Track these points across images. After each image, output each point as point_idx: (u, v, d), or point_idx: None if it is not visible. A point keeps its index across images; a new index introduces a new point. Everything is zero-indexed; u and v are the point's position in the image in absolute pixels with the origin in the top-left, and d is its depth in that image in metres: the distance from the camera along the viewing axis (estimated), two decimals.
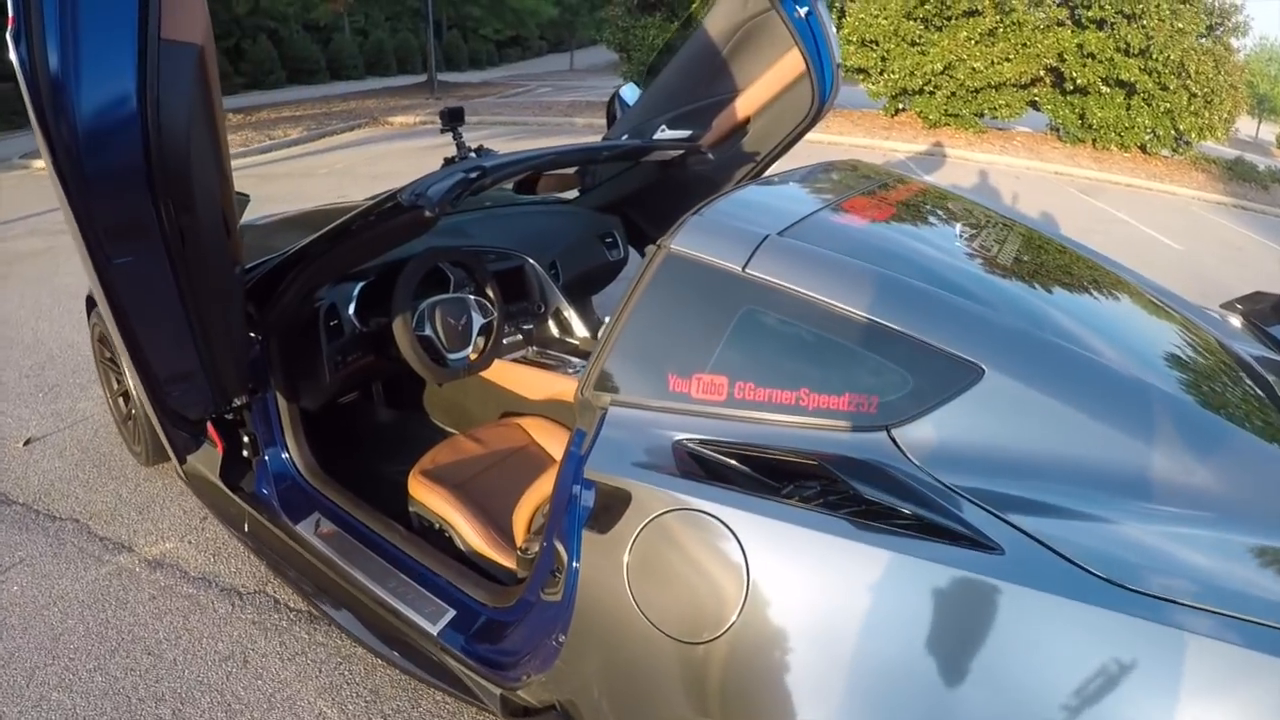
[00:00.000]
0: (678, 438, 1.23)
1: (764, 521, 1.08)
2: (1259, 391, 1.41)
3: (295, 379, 2.30)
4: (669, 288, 1.31)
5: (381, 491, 2.32)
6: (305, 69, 24.61)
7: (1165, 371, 1.29)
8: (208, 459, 2.57)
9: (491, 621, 1.77)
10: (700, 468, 1.19)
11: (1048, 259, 1.69)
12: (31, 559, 2.78)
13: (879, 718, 0.99)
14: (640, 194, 3.16)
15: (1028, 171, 9.99)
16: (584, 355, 2.50)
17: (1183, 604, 0.90)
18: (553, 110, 13.77)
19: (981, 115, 11.35)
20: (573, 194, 3.28)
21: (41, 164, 6.54)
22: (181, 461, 2.26)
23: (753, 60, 2.67)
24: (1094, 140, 11.34)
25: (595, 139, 3.23)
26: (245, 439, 2.37)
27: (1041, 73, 11.05)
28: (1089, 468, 1.04)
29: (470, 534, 2.01)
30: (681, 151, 2.67)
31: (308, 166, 10.89)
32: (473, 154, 2.25)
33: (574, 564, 1.31)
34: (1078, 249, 1.98)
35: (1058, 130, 11.68)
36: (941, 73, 10.83)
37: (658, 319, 1.31)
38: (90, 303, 3.12)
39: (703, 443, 1.22)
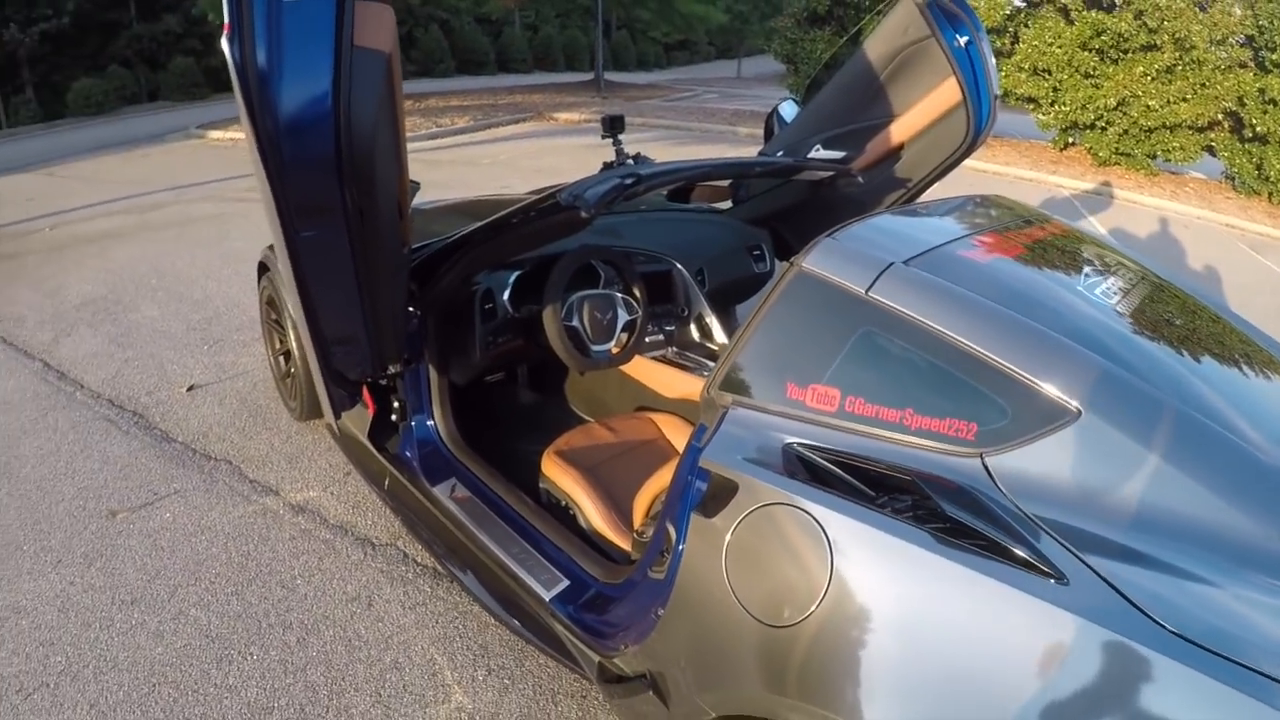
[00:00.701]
0: (788, 440, 1.49)
1: (853, 524, 1.31)
2: None
3: (448, 354, 2.81)
4: (797, 303, 1.57)
5: (514, 467, 2.73)
6: (474, 60, 28.14)
7: (1273, 438, 1.38)
8: (358, 420, 3.11)
9: (600, 595, 2.11)
10: (804, 470, 1.45)
11: (1170, 311, 1.83)
12: (185, 491, 3.43)
13: (930, 712, 1.20)
14: (790, 210, 3.52)
15: (1197, 221, 9.98)
16: None
17: (1245, 666, 1.03)
18: (716, 117, 15.10)
19: (1154, 156, 11.64)
20: (725, 205, 3.71)
21: (216, 134, 8.02)
22: (336, 416, 2.71)
23: (910, 86, 2.96)
24: (1270, 194, 11.06)
25: (754, 151, 3.76)
26: (395, 404, 2.89)
27: (1220, 116, 11.17)
28: (1169, 520, 1.20)
29: (593, 514, 2.38)
30: (833, 173, 2.99)
31: (472, 156, 12.09)
32: (630, 161, 2.60)
33: (680, 546, 1.59)
34: (1216, 309, 2.04)
35: (1233, 179, 11.58)
36: (1115, 108, 11.32)
37: (784, 331, 1.58)
38: (262, 268, 3.80)
39: (810, 448, 1.47)
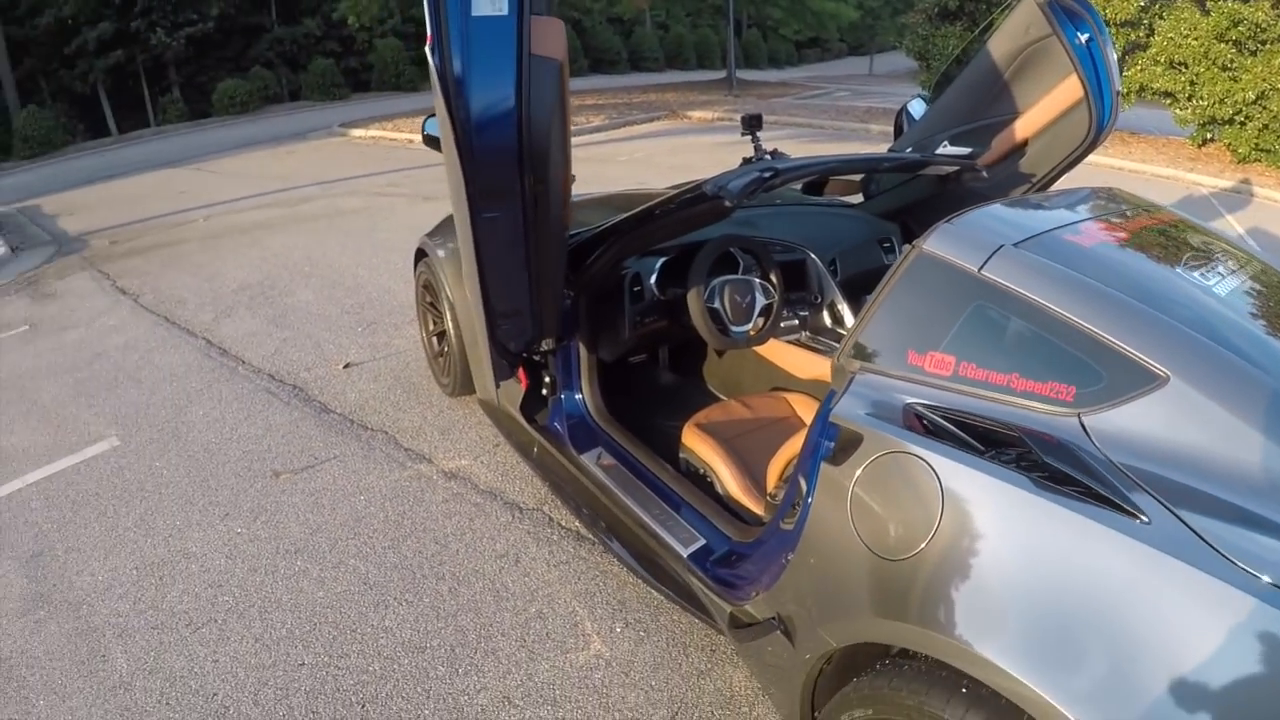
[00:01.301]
0: (908, 400, 1.83)
1: (963, 469, 1.63)
2: None
3: (598, 332, 3.33)
4: (917, 281, 1.92)
5: (654, 439, 3.22)
6: (607, 59, 30.95)
7: None
8: (508, 394, 3.66)
9: (733, 552, 2.55)
10: (921, 425, 1.78)
11: (1266, 293, 2.08)
12: (344, 456, 4.02)
13: (1022, 627, 1.50)
14: (919, 205, 3.92)
15: None
16: None
17: None
18: (849, 115, 16.28)
19: None
20: (856, 199, 4.20)
21: (358, 133, 9.16)
22: (497, 385, 3.27)
23: (1033, 84, 3.35)
24: None
25: (885, 148, 4.22)
26: (546, 380, 3.46)
27: None
28: (1245, 475, 1.47)
29: (729, 480, 2.85)
30: (959, 168, 3.38)
31: (608, 153, 12.95)
32: (768, 156, 3.01)
33: (810, 495, 1.94)
34: None
35: None
36: (1254, 102, 11.51)
37: (906, 305, 1.93)
38: (419, 254, 4.46)
39: (927, 406, 1.80)
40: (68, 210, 11.20)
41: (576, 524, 3.37)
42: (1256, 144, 11.81)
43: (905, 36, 16.95)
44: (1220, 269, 2.05)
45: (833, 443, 1.90)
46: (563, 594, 3.04)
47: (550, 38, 2.38)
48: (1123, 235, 2.14)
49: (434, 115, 3.07)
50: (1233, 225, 8.63)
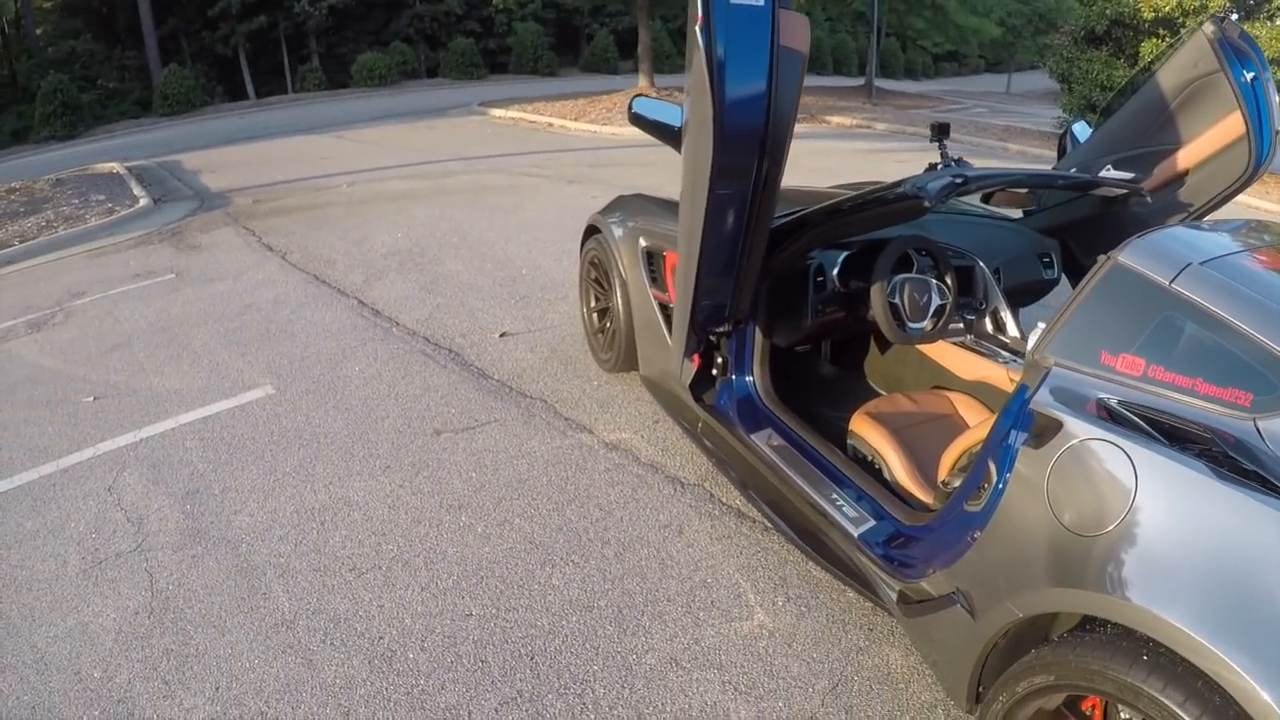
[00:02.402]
0: (1101, 395, 2.09)
1: (1154, 456, 1.88)
2: None
3: (776, 318, 3.58)
4: (1112, 288, 2.18)
5: (819, 427, 3.43)
6: None
7: None
8: (674, 372, 3.82)
9: (903, 534, 2.79)
10: (1113, 417, 2.03)
11: None
12: (504, 421, 4.19)
13: (1203, 602, 1.74)
14: (1080, 224, 4.23)
15: None
16: (1014, 351, 3.56)
17: None
18: (987, 132, 16.75)
19: None
20: (1017, 214, 4.52)
21: (499, 113, 9.89)
22: (689, 358, 3.52)
23: (1197, 116, 3.61)
24: None
25: (1042, 168, 4.36)
26: (719, 360, 3.68)
27: None
28: None
29: (898, 468, 3.07)
30: (1125, 191, 3.60)
31: None
32: (954, 163, 3.25)
33: (1003, 476, 2.21)
34: None
35: None
36: None
37: (1100, 309, 2.18)
38: (589, 232, 4.74)
39: (1119, 402, 2.06)
40: (209, 168, 11.86)
41: (738, 501, 3.58)
42: None
43: (1048, 57, 17.62)
44: None
45: (1029, 429, 2.16)
46: (726, 566, 3.21)
47: (797, 31, 2.62)
48: None
49: (641, 95, 3.51)
50: None
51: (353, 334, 5.24)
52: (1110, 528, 1.91)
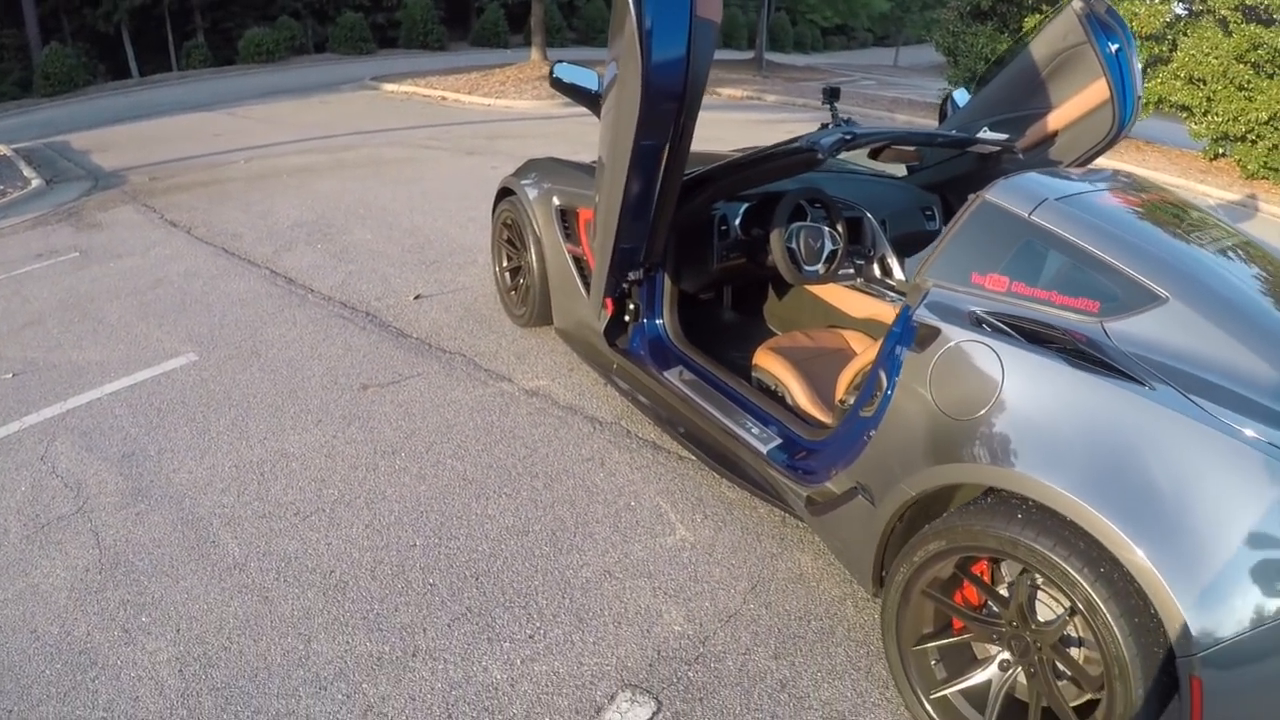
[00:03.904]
0: (972, 309, 2.43)
1: (1017, 352, 2.24)
2: None
3: (684, 265, 3.89)
4: (982, 221, 2.54)
5: (726, 363, 3.75)
6: None
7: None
8: (589, 320, 4.10)
9: (806, 448, 3.13)
10: (982, 324, 2.38)
11: (1239, 250, 2.70)
12: (428, 374, 4.36)
13: (1061, 461, 2.09)
14: (959, 180, 4.57)
15: None
16: (900, 293, 3.91)
17: (1249, 433, 1.88)
18: (876, 104, 17.34)
19: None
20: (902, 171, 4.90)
21: (390, 87, 10.45)
22: (605, 299, 3.75)
23: (1066, 83, 4.00)
24: None
25: (926, 126, 4.78)
26: (630, 307, 3.94)
27: None
28: (1220, 363, 2.08)
29: (799, 394, 3.43)
30: (998, 149, 3.93)
31: None
32: (844, 123, 3.62)
33: (892, 382, 2.54)
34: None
35: None
36: (1266, 122, 12.82)
37: (973, 239, 2.54)
38: (501, 194, 4.95)
39: (987, 313, 2.41)
40: (99, 147, 11.53)
41: (653, 435, 3.91)
42: (1265, 162, 13.06)
43: (935, 31, 18.28)
44: (1212, 234, 2.69)
45: (913, 339, 2.50)
46: (647, 491, 3.52)
47: (712, 3, 2.88)
48: (1136, 202, 2.77)
49: (563, 62, 3.88)
50: None
51: (269, 301, 5.30)
52: (982, 411, 2.26)
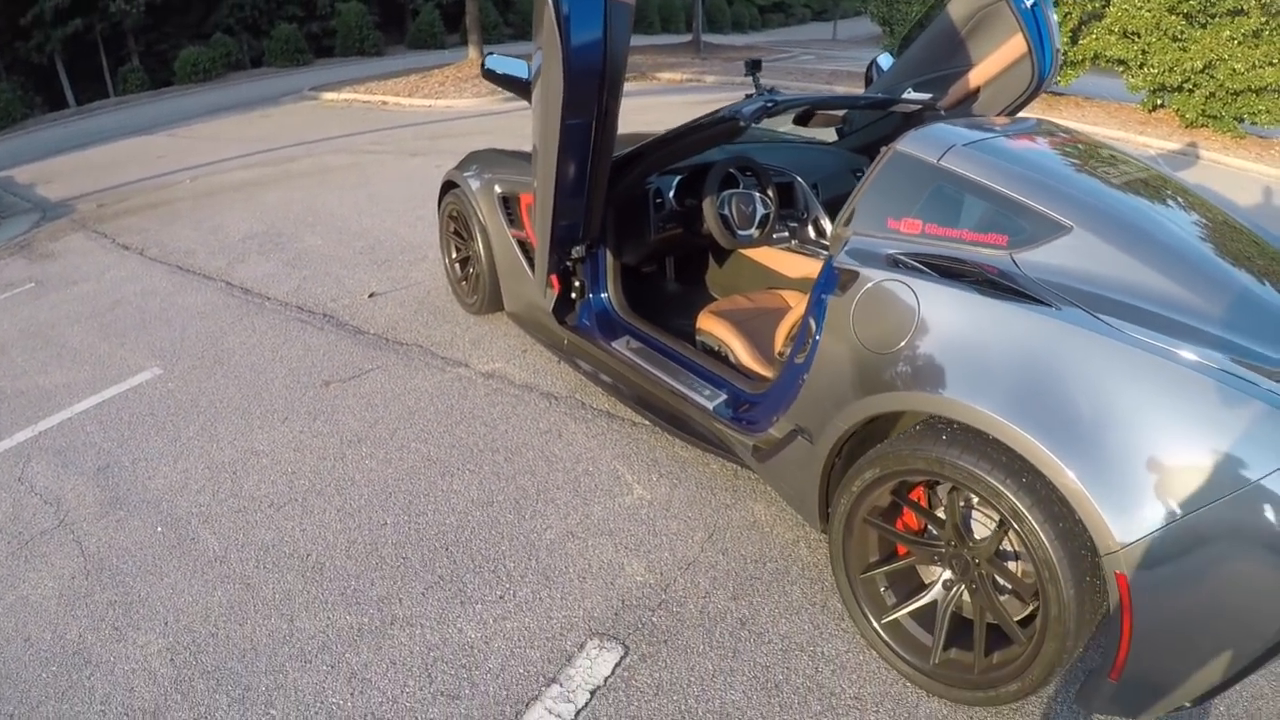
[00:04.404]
0: (889, 251, 2.57)
1: (931, 287, 2.37)
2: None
3: (624, 239, 4.03)
4: (893, 170, 2.67)
5: (670, 330, 3.89)
6: None
7: (1194, 244, 2.46)
8: (539, 300, 4.23)
9: (750, 400, 3.25)
10: (899, 265, 2.51)
11: (1149, 182, 2.85)
12: (386, 365, 4.49)
13: (975, 381, 2.23)
14: (886, 140, 5.00)
15: None
16: None
17: (1151, 342, 2.02)
18: (814, 77, 17.52)
19: (1241, 120, 13.30)
20: (832, 136, 5.06)
21: (330, 95, 10.53)
22: (549, 279, 3.90)
23: (985, 41, 4.09)
24: None
25: (850, 91, 4.95)
26: (576, 284, 4.09)
27: None
28: (1121, 283, 2.22)
29: (741, 352, 3.57)
30: (920, 108, 4.05)
31: None
32: (768, 92, 3.76)
33: (820, 326, 2.66)
34: (1191, 189, 3.03)
35: None
36: (1201, 71, 13.05)
37: (886, 187, 2.68)
38: (446, 187, 5.08)
39: (902, 254, 2.54)
40: (43, 179, 11.45)
41: (607, 405, 4.10)
42: (1203, 110, 13.21)
43: (870, 3, 18.41)
44: (1121, 169, 2.81)
45: (835, 285, 2.63)
46: (603, 456, 3.70)
47: None
48: (1046, 144, 2.91)
49: (494, 54, 4.02)
50: None
51: (227, 312, 5.39)
52: (901, 344, 2.39)
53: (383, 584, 2.96)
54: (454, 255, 5.22)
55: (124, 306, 5.79)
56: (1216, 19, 12.78)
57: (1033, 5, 3.89)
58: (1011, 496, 2.10)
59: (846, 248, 2.68)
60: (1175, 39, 13.13)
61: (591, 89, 3.08)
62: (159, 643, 2.78)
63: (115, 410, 4.35)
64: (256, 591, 2.96)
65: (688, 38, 26.01)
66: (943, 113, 4.09)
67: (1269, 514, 1.80)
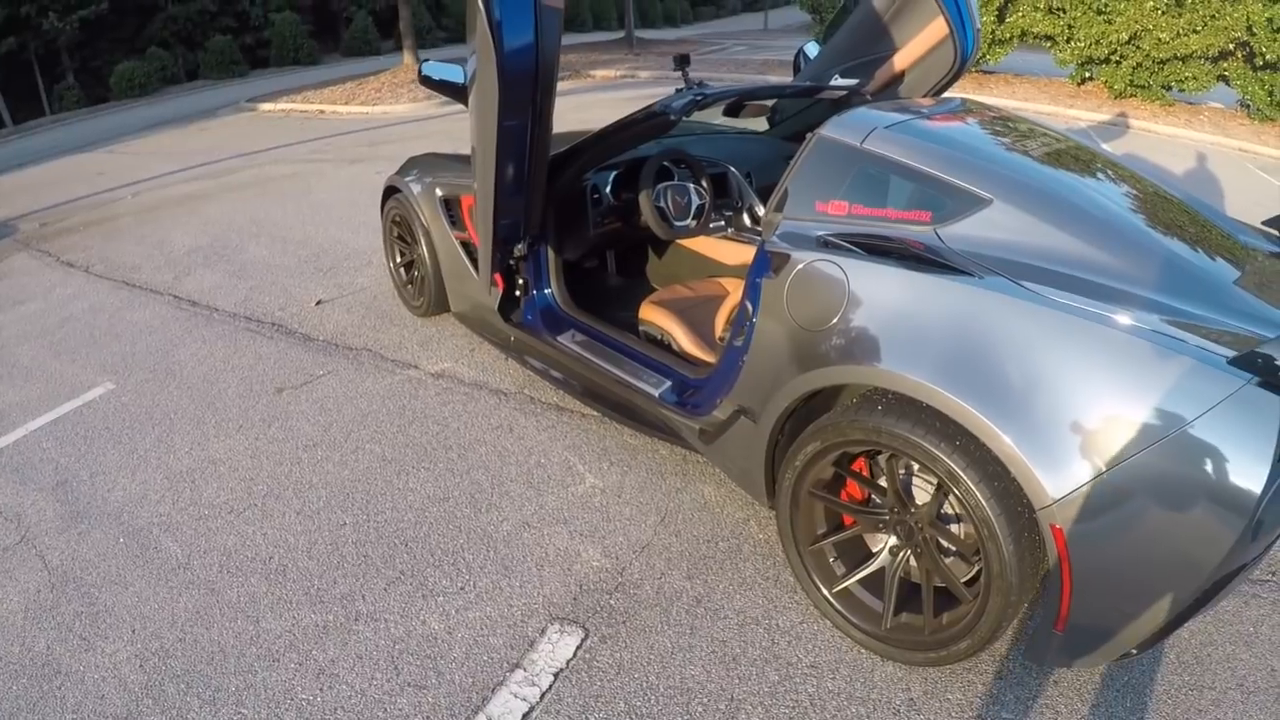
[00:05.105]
0: (818, 233, 2.66)
1: (859, 264, 2.47)
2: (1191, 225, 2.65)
3: (564, 235, 4.07)
4: (818, 155, 2.75)
5: (614, 323, 3.91)
6: None
7: (1115, 209, 2.55)
8: (485, 300, 4.27)
9: (693, 385, 3.33)
10: (828, 245, 2.61)
11: (1069, 153, 2.93)
12: (337, 370, 4.51)
13: (903, 350, 2.32)
14: (815, 127, 4.87)
15: (1211, 147, 11.45)
16: None
17: (1074, 305, 2.10)
18: (747, 68, 17.75)
19: (1169, 88, 13.63)
20: (764, 126, 5.09)
21: (267, 106, 10.37)
22: (494, 271, 3.92)
23: (907, 25, 4.15)
24: None
25: (779, 80, 5.08)
26: (520, 282, 4.14)
27: (1231, 46, 12.94)
28: (1040, 250, 2.30)
29: (683, 339, 3.63)
30: (845, 94, 4.10)
31: None
32: (695, 86, 3.87)
33: (756, 309, 2.74)
34: (1116, 159, 3.16)
35: (1247, 107, 13.41)
36: (1127, 42, 13.28)
37: (813, 172, 2.75)
38: (388, 193, 5.09)
39: (832, 234, 2.63)
40: None
41: (555, 399, 4.17)
42: (1131, 80, 13.49)
43: None
44: (1040, 142, 2.90)
45: (768, 268, 2.71)
46: (555, 448, 3.76)
47: None
48: (969, 123, 3.01)
49: (429, 60, 4.05)
50: (1109, 153, 9.61)
51: (176, 325, 5.34)
52: (834, 320, 2.48)
53: (345, 582, 2.99)
54: (398, 259, 5.22)
55: (73, 324, 5.71)
56: None
57: None
58: (947, 459, 2.17)
59: (778, 232, 2.75)
60: (1100, 12, 13.24)
61: (526, 90, 3.13)
62: (127, 650, 2.78)
63: (70, 426, 4.30)
64: (221, 596, 2.98)
65: (620, 34, 26.21)
66: (869, 97, 4.17)
67: (1194, 459, 1.85)
